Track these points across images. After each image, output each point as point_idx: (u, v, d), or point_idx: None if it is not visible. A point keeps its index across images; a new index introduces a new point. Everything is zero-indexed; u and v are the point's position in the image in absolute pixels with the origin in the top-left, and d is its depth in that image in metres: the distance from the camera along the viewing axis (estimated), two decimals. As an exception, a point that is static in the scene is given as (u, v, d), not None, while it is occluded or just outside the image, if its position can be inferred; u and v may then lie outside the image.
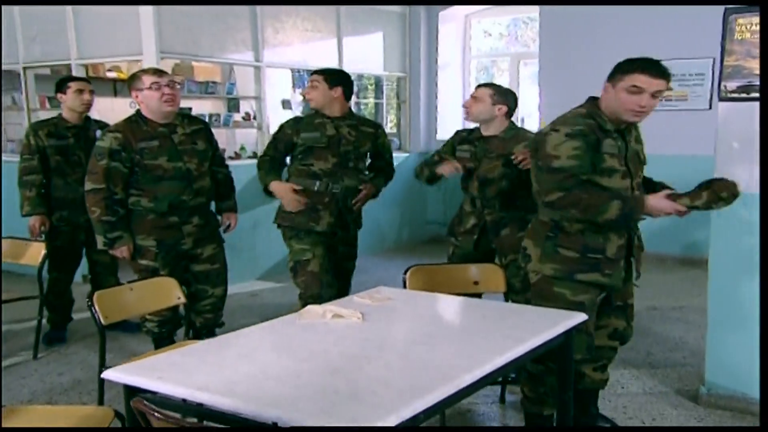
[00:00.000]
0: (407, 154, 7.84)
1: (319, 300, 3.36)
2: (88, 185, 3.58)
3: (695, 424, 3.30)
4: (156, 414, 1.72)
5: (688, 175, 3.20)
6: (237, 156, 6.31)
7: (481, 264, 3.42)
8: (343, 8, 7.00)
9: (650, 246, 3.86)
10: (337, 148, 3.87)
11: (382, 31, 7.59)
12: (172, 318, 3.78)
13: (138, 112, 3.66)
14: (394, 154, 7.58)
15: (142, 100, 3.59)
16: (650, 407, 3.48)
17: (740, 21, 3.30)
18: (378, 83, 8.02)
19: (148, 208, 3.62)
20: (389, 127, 8.24)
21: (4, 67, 6.48)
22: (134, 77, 3.65)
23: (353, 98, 7.77)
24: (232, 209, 4.11)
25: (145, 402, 1.78)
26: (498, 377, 2.28)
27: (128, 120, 3.65)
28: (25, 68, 6.30)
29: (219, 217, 4.05)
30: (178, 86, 3.72)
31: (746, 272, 3.32)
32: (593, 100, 2.82)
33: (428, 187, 8.03)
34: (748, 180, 3.28)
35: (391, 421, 1.66)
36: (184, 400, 1.88)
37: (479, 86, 3.74)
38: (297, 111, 7.51)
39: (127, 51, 5.63)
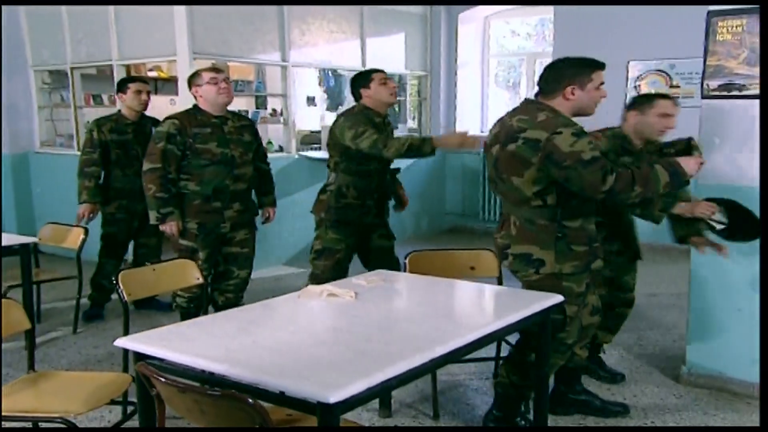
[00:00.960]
0: (428, 149, 8.13)
1: None
2: (146, 165, 3.96)
3: (673, 401, 3.55)
4: (156, 376, 1.97)
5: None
6: (264, 150, 6.67)
7: (477, 251, 3.68)
8: (366, 10, 7.32)
9: (655, 236, 4.17)
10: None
11: (404, 32, 7.88)
12: (200, 296, 4.13)
13: (195, 105, 4.07)
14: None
15: (201, 94, 4.00)
16: (633, 385, 3.74)
17: (721, 23, 3.54)
18: (401, 81, 8.32)
19: (194, 192, 4.00)
20: (412, 124, 8.54)
21: (53, 68, 6.98)
22: (195, 75, 4.07)
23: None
24: (272, 204, 4.48)
25: (148, 366, 2.04)
26: (475, 350, 2.53)
27: (186, 111, 4.09)
28: (72, 68, 6.76)
29: (260, 210, 4.41)
30: (231, 82, 4.16)
31: (725, 263, 3.55)
32: (538, 104, 2.95)
33: (447, 180, 8.38)
34: (729, 173, 3.53)
35: (362, 386, 1.89)
36: (203, 371, 2.09)
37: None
38: (322, 107, 7.86)
39: (162, 52, 6.04)
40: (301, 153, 6.83)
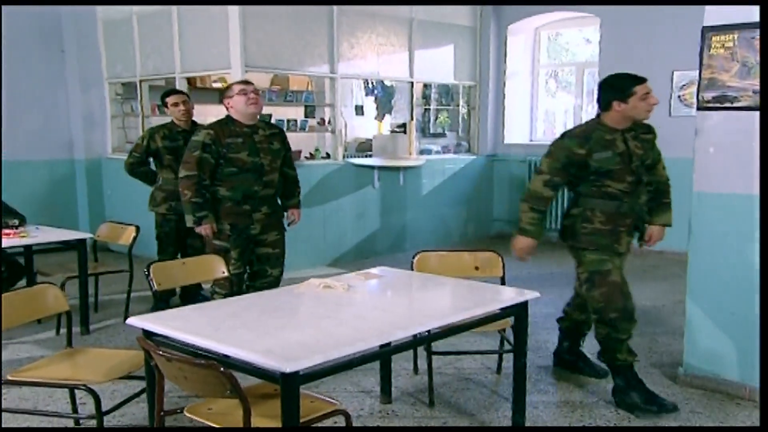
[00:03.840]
0: (475, 157, 8.37)
1: (624, 313, 3.52)
2: (182, 173, 4.30)
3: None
4: (152, 349, 2.34)
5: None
6: (311, 156, 7.08)
7: (482, 252, 3.89)
8: (415, 24, 7.64)
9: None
10: (629, 164, 3.60)
11: (453, 44, 8.14)
12: (236, 292, 4.50)
13: (228, 116, 4.39)
14: (462, 157, 8.19)
15: (233, 105, 4.31)
16: (630, 383, 3.89)
17: (715, 38, 3.68)
18: (449, 92, 8.57)
19: (226, 197, 4.34)
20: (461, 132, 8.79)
21: (125, 80, 7.63)
22: (227, 89, 4.43)
23: (433, 104, 8.39)
24: (297, 206, 4.76)
25: (146, 340, 2.41)
26: (443, 338, 2.78)
27: (219, 121, 4.40)
28: (141, 81, 7.39)
29: (285, 213, 4.69)
30: (260, 93, 4.49)
31: (721, 268, 3.69)
32: None
33: (495, 187, 8.57)
34: (722, 181, 3.66)
35: (318, 360, 2.17)
36: (194, 346, 2.43)
37: None
38: (370, 116, 8.21)
39: (218, 65, 6.53)
40: (347, 160, 7.20)
